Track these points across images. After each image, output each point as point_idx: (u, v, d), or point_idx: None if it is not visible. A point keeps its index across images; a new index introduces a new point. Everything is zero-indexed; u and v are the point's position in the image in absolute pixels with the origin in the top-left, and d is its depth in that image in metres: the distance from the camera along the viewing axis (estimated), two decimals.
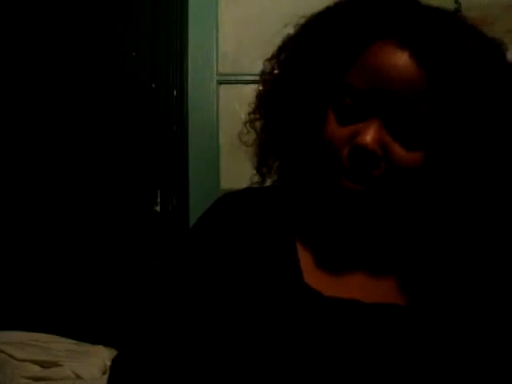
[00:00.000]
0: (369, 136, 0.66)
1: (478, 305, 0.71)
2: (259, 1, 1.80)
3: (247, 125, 0.82)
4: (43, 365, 1.41)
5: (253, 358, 0.67)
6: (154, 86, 1.78)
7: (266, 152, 0.80)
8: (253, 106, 0.81)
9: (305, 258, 0.74)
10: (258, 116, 0.81)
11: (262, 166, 0.81)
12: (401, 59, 0.66)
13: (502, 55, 0.70)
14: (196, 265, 0.76)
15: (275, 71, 0.79)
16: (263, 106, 0.80)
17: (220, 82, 1.79)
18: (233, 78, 1.79)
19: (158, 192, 1.76)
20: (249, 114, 0.81)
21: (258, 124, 0.81)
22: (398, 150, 0.67)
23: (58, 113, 1.76)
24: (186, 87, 1.78)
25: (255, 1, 1.80)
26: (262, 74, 0.81)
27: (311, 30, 0.75)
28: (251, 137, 0.82)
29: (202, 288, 0.74)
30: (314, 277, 0.72)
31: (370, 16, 0.70)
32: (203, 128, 1.76)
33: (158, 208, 1.76)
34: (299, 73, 0.74)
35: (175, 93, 1.77)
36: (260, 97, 0.81)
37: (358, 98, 0.68)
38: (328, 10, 0.75)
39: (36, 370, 1.40)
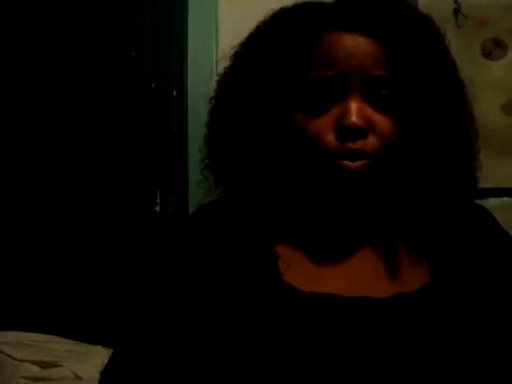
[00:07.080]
0: (354, 114, 0.70)
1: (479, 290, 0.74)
2: (259, 1, 1.79)
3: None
4: (42, 365, 1.41)
5: (238, 360, 0.68)
6: (153, 85, 1.78)
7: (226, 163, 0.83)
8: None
9: (284, 258, 0.75)
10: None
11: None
12: (354, 37, 0.72)
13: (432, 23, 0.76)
14: (181, 274, 0.77)
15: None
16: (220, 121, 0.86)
17: None
18: None
19: (158, 192, 1.76)
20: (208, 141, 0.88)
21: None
22: (378, 117, 0.71)
23: (57, 113, 1.76)
24: (186, 87, 1.77)
25: (255, 1, 1.80)
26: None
27: (257, 42, 0.82)
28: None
29: (188, 296, 0.75)
30: (294, 275, 0.73)
31: (311, 15, 0.76)
32: (203, 128, 1.75)
33: (157, 208, 1.76)
34: (258, 81, 0.77)
35: (175, 93, 1.77)
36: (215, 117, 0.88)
37: (330, 85, 0.71)
38: (272, 20, 0.83)
39: (35, 370, 1.40)
